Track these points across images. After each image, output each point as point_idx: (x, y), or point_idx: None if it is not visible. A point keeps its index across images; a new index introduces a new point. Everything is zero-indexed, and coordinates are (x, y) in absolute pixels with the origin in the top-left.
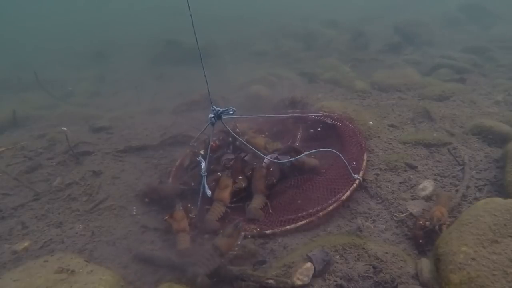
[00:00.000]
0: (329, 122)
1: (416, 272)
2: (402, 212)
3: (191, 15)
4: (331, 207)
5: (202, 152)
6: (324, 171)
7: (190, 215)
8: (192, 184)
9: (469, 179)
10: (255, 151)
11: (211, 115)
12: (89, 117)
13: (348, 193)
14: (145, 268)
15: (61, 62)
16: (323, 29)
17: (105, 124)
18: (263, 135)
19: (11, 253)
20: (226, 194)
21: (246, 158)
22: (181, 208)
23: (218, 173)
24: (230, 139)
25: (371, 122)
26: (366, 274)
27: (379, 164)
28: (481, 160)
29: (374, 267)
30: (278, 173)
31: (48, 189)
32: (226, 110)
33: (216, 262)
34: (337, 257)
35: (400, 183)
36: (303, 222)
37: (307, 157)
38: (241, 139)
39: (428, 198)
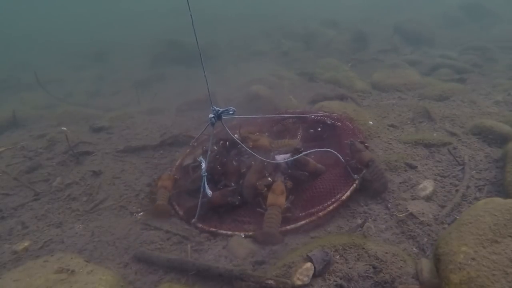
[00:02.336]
0: (329, 122)
1: (416, 272)
2: (402, 212)
3: (191, 15)
4: (331, 207)
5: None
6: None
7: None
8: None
9: (468, 179)
10: (256, 155)
11: (211, 115)
12: (89, 117)
13: (348, 193)
14: (145, 268)
15: (61, 62)
16: (323, 29)
17: (105, 124)
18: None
19: (11, 253)
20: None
21: (236, 160)
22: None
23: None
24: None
25: (371, 122)
26: (366, 274)
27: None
28: (481, 160)
29: (374, 267)
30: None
31: (48, 189)
32: (226, 110)
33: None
34: (337, 257)
35: (400, 183)
36: (303, 222)
37: (315, 162)
38: (242, 144)
39: (428, 198)
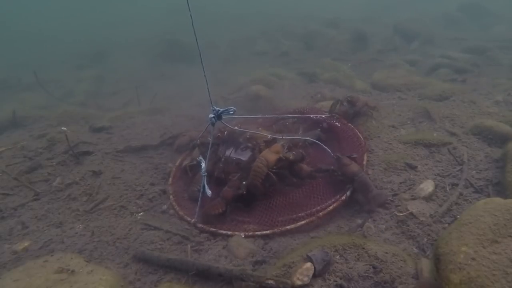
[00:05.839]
0: (329, 122)
1: (416, 272)
2: (402, 212)
3: (191, 15)
4: (331, 207)
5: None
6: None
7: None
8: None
9: (465, 179)
10: (271, 135)
11: (211, 115)
12: (89, 117)
13: (348, 193)
14: (145, 268)
15: (61, 62)
16: (323, 29)
17: (105, 124)
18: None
19: (11, 253)
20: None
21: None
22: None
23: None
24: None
25: (371, 122)
26: (366, 274)
27: (379, 164)
28: (481, 160)
29: (374, 267)
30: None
31: (48, 189)
32: (226, 110)
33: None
34: (337, 257)
35: (400, 183)
36: (303, 222)
37: (303, 163)
38: (245, 130)
39: (428, 198)
